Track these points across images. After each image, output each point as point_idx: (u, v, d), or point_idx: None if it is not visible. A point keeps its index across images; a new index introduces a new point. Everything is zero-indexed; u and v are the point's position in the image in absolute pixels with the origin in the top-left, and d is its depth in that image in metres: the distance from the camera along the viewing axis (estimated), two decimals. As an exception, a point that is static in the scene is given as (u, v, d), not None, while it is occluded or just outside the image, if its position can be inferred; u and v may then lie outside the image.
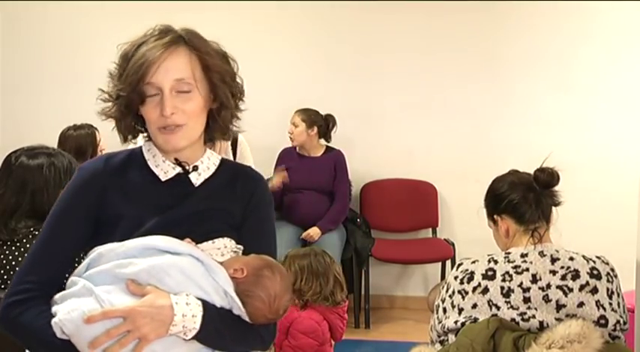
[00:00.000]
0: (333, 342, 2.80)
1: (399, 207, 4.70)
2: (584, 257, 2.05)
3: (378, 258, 4.41)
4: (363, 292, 4.43)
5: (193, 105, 1.48)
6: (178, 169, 1.54)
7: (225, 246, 1.50)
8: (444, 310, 2.08)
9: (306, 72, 4.74)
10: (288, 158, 4.40)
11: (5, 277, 2.28)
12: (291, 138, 4.36)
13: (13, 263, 2.28)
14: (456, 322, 2.01)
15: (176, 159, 1.54)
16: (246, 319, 1.44)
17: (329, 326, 2.75)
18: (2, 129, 4.86)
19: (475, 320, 1.98)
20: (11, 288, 1.47)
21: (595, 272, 2.00)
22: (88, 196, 1.50)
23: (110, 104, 1.52)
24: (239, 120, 1.61)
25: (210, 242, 1.48)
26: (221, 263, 1.45)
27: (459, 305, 2.04)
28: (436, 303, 2.15)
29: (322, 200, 4.34)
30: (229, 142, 3.44)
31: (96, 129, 3.97)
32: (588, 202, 4.33)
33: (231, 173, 1.60)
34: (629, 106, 4.47)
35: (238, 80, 1.57)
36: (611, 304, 1.98)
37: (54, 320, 1.35)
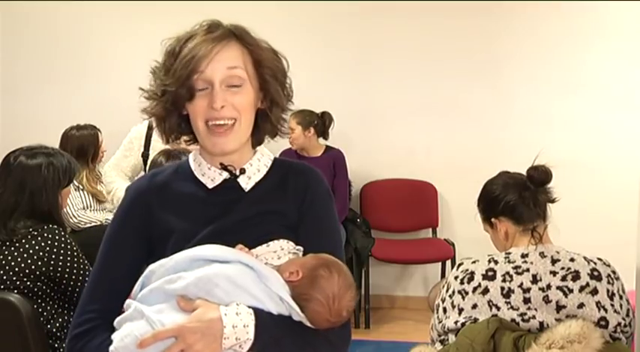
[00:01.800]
0: None
1: (399, 207, 4.69)
2: (585, 258, 2.04)
3: (378, 258, 4.40)
4: (363, 292, 4.42)
5: (244, 100, 1.43)
6: (225, 175, 1.48)
7: (281, 249, 1.42)
8: (444, 310, 2.08)
9: (306, 72, 4.69)
10: (289, 159, 4.40)
11: (5, 277, 2.28)
12: (290, 142, 4.35)
13: (13, 263, 2.28)
14: (456, 322, 2.01)
15: (221, 164, 1.48)
16: (308, 324, 1.34)
17: None
18: (2, 129, 4.86)
19: (475, 320, 1.98)
20: (75, 320, 1.45)
21: (595, 273, 2.00)
22: (135, 217, 1.47)
23: (154, 102, 1.46)
24: (286, 122, 1.55)
25: (264, 246, 1.41)
26: (277, 267, 1.38)
27: (459, 306, 2.03)
28: (436, 303, 2.14)
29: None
30: None
31: (98, 130, 3.98)
32: (589, 202, 4.33)
33: (283, 171, 1.53)
34: (629, 106, 4.46)
35: (288, 80, 1.52)
36: (612, 305, 1.97)
37: (110, 349, 1.31)
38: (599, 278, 1.99)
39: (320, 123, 4.37)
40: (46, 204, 2.40)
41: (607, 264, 2.05)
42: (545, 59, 4.53)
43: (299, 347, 1.34)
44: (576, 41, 4.51)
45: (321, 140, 4.45)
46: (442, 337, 2.07)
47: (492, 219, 2.18)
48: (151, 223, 1.45)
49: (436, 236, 4.69)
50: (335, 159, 4.41)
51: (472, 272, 2.06)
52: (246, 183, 1.49)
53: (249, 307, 1.30)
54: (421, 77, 4.67)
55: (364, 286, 4.42)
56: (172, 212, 1.45)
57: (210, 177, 1.49)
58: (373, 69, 4.70)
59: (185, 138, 1.53)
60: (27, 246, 2.30)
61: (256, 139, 1.54)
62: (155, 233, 1.44)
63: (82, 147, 3.89)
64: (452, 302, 2.06)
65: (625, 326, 1.98)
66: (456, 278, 2.09)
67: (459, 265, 2.14)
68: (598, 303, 1.96)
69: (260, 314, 1.30)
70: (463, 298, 2.04)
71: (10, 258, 2.29)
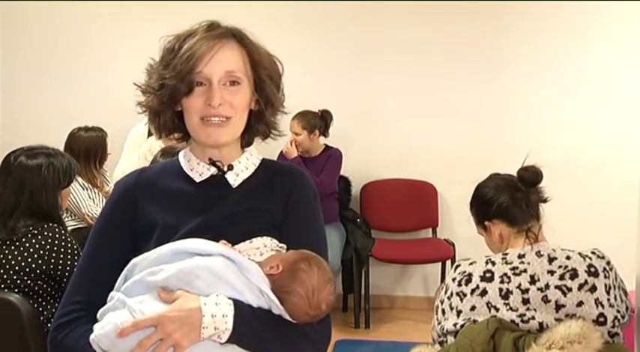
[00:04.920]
0: None
1: (399, 207, 4.69)
2: (580, 254, 2.04)
3: (378, 258, 4.40)
4: (363, 292, 4.43)
5: (241, 99, 1.46)
6: (213, 170, 1.50)
7: (264, 245, 1.44)
8: (443, 312, 2.08)
9: (306, 72, 4.72)
10: (288, 159, 4.39)
11: (5, 277, 2.28)
12: (295, 146, 4.33)
13: (13, 262, 2.29)
14: (454, 324, 2.00)
15: (210, 159, 1.50)
16: (288, 317, 1.36)
17: None
18: (2, 129, 4.86)
19: (474, 322, 1.97)
20: (59, 310, 1.46)
21: (592, 269, 2.00)
22: (121, 212, 1.49)
23: (150, 95, 1.47)
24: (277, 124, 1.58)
25: (247, 242, 1.43)
26: (259, 262, 1.39)
27: (457, 308, 2.03)
28: (435, 304, 2.14)
29: (322, 198, 4.33)
30: None
31: (105, 132, 3.96)
32: (589, 201, 4.34)
33: (271, 171, 1.55)
34: (629, 106, 4.46)
35: (282, 83, 1.54)
36: (609, 300, 1.97)
37: (91, 337, 1.32)
38: (596, 275, 1.99)
39: (322, 125, 4.37)
40: (45, 204, 2.40)
41: (601, 256, 2.04)
42: (545, 59, 4.53)
43: (277, 340, 1.35)
44: (576, 41, 4.51)
45: (321, 139, 4.45)
46: (441, 339, 2.07)
47: (486, 222, 2.18)
48: (136, 217, 1.47)
49: (436, 236, 4.69)
50: (329, 156, 4.40)
51: (470, 274, 2.06)
52: (234, 179, 1.51)
53: (229, 298, 1.32)
54: (421, 77, 4.67)
55: (364, 286, 4.42)
56: (158, 206, 1.47)
57: (199, 171, 1.51)
58: (373, 69, 4.70)
59: (177, 135, 1.55)
60: (27, 244, 2.31)
61: (247, 140, 1.57)
62: (140, 227, 1.46)
63: (90, 149, 3.87)
64: (450, 304, 2.06)
65: (622, 317, 1.98)
66: (453, 280, 2.09)
67: (456, 267, 2.13)
68: (597, 300, 1.96)
69: (239, 306, 1.31)
70: (461, 300, 2.03)
71: (10, 257, 2.30)
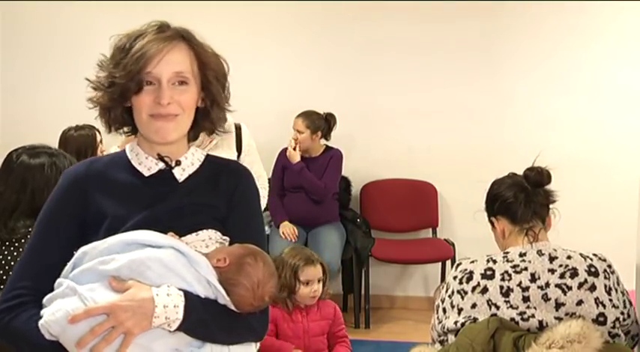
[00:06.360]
0: None
1: (399, 207, 4.69)
2: (581, 255, 2.05)
3: (378, 258, 4.40)
4: (363, 292, 4.43)
5: (188, 98, 1.52)
6: (161, 165, 1.56)
7: (210, 238, 1.51)
8: (444, 310, 2.08)
9: (307, 72, 4.74)
10: (288, 159, 4.39)
11: (4, 277, 2.28)
12: (296, 144, 4.32)
13: (12, 263, 2.28)
14: (455, 322, 2.01)
15: (158, 155, 1.56)
16: (233, 308, 1.44)
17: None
18: (2, 129, 4.86)
19: (475, 320, 1.98)
20: (3, 296, 1.48)
21: (592, 269, 2.01)
22: (71, 200, 1.52)
23: (100, 92, 1.53)
24: (225, 121, 1.64)
25: (193, 234, 1.49)
26: (205, 254, 1.46)
27: (458, 306, 2.04)
28: (436, 303, 2.15)
29: (324, 200, 4.34)
30: (233, 134, 3.38)
31: (97, 130, 3.97)
32: (589, 202, 4.33)
33: (216, 168, 1.62)
34: (629, 106, 4.47)
35: (227, 82, 1.60)
36: (611, 300, 1.98)
37: (40, 323, 1.35)
38: (596, 275, 2.00)
39: (326, 126, 4.37)
40: (46, 203, 2.39)
41: (603, 259, 2.06)
42: (545, 59, 4.54)
43: (223, 329, 1.43)
44: (576, 41, 4.51)
45: (322, 140, 4.45)
46: (442, 337, 2.07)
47: (492, 218, 2.22)
48: (86, 207, 1.51)
49: (436, 236, 4.69)
50: (331, 158, 4.40)
51: (471, 272, 2.07)
52: (181, 174, 1.57)
53: (180, 289, 1.38)
54: (421, 77, 4.67)
55: (364, 286, 4.42)
56: (108, 197, 1.51)
57: (147, 166, 1.56)
58: (373, 69, 4.70)
59: (125, 129, 1.60)
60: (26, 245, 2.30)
61: (192, 135, 1.63)
62: (89, 217, 1.50)
63: (80, 148, 3.88)
64: (451, 303, 2.06)
65: (624, 320, 1.98)
66: (454, 278, 2.10)
67: (458, 265, 2.15)
68: (596, 299, 1.96)
69: (189, 297, 1.38)
70: (462, 298, 2.04)
71: (9, 257, 2.29)
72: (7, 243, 2.32)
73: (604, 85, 4.50)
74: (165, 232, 1.45)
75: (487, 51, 4.61)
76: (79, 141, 3.88)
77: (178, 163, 1.57)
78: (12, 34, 4.95)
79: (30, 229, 2.32)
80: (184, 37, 1.53)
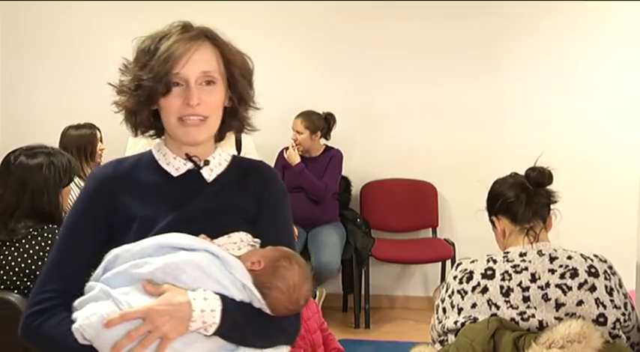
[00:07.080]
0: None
1: (399, 207, 4.69)
2: (581, 255, 2.05)
3: (378, 257, 4.40)
4: (363, 292, 4.42)
5: (216, 98, 1.51)
6: (190, 165, 1.54)
7: (241, 240, 1.49)
8: (444, 310, 2.08)
9: (307, 72, 4.74)
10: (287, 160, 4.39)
11: (5, 278, 2.28)
12: (296, 145, 4.32)
13: (13, 263, 2.28)
14: (455, 322, 2.01)
15: (187, 155, 1.54)
16: (267, 311, 1.42)
17: None
18: (2, 129, 4.86)
19: (475, 319, 1.98)
20: (31, 299, 1.46)
21: (593, 270, 2.01)
22: (98, 202, 1.50)
23: (126, 96, 1.51)
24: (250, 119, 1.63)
25: (225, 236, 1.47)
26: (238, 257, 1.44)
27: (458, 305, 2.04)
28: (436, 303, 2.15)
29: (325, 200, 4.34)
30: (233, 143, 3.40)
31: (97, 128, 3.98)
32: (589, 202, 4.33)
33: (243, 169, 1.60)
34: (629, 106, 4.46)
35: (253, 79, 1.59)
36: (612, 301, 1.97)
37: (74, 327, 1.33)
38: (596, 275, 2.00)
39: (325, 127, 4.37)
40: (47, 203, 2.40)
41: (603, 260, 2.06)
42: (544, 59, 4.53)
43: (257, 333, 1.42)
44: (576, 41, 4.51)
45: (322, 140, 4.45)
46: (442, 337, 2.07)
47: (492, 217, 2.22)
48: (113, 209, 1.49)
49: (436, 236, 4.69)
50: (331, 158, 4.41)
51: (471, 272, 2.07)
52: (209, 174, 1.56)
53: (216, 293, 1.36)
54: (421, 77, 4.67)
55: (364, 286, 4.42)
56: (135, 198, 1.50)
57: (175, 166, 1.55)
58: (373, 69, 4.70)
59: (151, 132, 1.58)
60: (27, 246, 2.30)
61: (220, 135, 1.61)
62: (117, 218, 1.48)
63: (81, 146, 3.89)
64: (451, 302, 2.06)
65: (625, 321, 1.98)
66: (454, 278, 2.10)
67: (458, 265, 2.15)
68: (597, 300, 1.96)
69: (226, 301, 1.36)
70: (462, 298, 2.04)
71: (10, 258, 2.29)
72: (8, 244, 2.32)
73: (604, 85, 4.50)
74: (197, 233, 1.44)
75: (487, 51, 4.61)
76: (78, 139, 3.90)
77: (207, 163, 1.56)
78: (12, 34, 4.94)
79: (30, 230, 2.33)
80: (208, 36, 1.51)
